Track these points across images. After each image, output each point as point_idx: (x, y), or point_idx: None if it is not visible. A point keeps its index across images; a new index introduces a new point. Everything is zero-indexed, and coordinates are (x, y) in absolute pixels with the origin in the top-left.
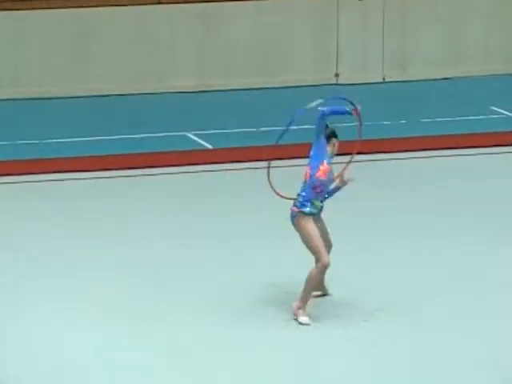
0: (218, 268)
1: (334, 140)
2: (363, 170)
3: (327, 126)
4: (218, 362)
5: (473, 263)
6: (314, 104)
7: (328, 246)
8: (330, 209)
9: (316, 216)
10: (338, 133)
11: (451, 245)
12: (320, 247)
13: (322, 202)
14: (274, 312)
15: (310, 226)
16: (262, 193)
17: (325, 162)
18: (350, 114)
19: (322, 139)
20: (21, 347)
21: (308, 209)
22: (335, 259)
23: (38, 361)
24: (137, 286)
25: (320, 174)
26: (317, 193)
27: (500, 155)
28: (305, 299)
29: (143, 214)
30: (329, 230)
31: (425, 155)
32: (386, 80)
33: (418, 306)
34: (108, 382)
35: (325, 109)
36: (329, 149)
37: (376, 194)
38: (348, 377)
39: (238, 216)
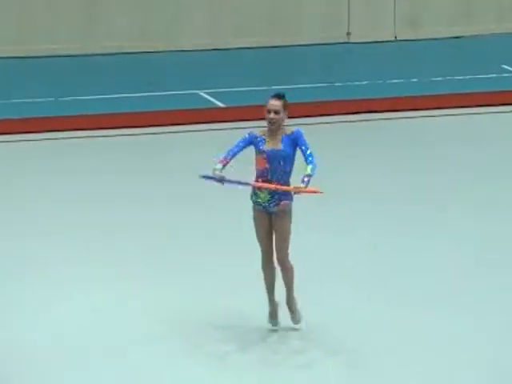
0: (225, 232)
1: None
2: (375, 129)
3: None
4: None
5: (478, 229)
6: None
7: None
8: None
9: (266, 210)
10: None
11: (458, 204)
12: (259, 243)
13: (272, 195)
14: None
15: (254, 215)
16: None
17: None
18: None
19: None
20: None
21: (252, 198)
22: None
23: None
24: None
25: (256, 165)
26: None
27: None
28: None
29: (154, 173)
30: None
31: (436, 114)
32: (398, 38)
33: (421, 277)
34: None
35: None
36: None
37: (386, 152)
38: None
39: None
